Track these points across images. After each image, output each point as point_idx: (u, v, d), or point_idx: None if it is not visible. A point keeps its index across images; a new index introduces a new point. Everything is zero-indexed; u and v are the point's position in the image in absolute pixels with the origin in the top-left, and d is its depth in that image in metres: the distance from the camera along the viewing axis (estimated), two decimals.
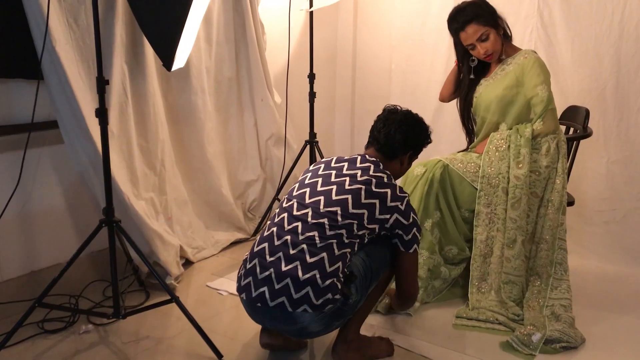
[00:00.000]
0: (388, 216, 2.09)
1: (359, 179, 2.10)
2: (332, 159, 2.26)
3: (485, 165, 2.63)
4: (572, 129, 2.91)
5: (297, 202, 2.10)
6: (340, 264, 1.98)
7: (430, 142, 2.36)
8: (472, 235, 2.70)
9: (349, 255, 2.03)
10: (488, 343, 2.38)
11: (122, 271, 2.81)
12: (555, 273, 2.59)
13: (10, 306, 2.53)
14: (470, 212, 2.68)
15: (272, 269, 1.96)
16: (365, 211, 2.05)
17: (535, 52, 2.69)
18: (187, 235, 3.17)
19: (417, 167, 2.73)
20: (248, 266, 2.06)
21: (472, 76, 2.79)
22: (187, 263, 3.16)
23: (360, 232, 2.05)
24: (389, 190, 2.10)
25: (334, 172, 2.16)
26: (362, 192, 2.07)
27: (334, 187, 2.09)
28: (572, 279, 2.89)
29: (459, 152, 2.87)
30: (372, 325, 2.50)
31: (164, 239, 2.81)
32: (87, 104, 2.51)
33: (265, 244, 2.03)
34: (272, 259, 1.99)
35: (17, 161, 2.46)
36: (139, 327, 2.50)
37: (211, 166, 3.25)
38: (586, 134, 2.76)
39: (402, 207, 2.11)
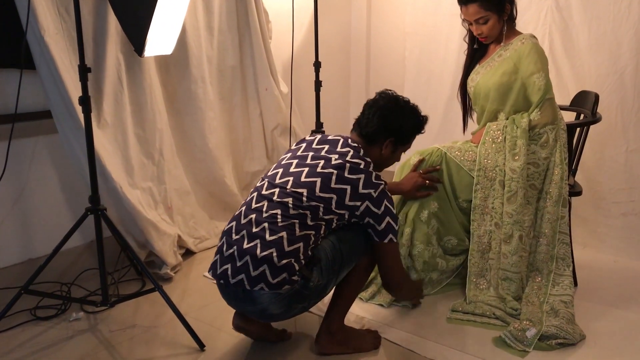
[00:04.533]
0: (358, 203, 2.02)
1: (333, 162, 2.05)
2: (316, 138, 2.21)
3: (482, 157, 2.52)
4: (582, 115, 2.76)
5: (268, 181, 2.09)
6: (300, 245, 1.93)
7: (420, 132, 2.27)
8: (470, 226, 2.60)
9: (312, 238, 1.98)
10: (482, 338, 2.27)
11: (121, 260, 2.84)
12: (557, 268, 2.46)
13: (7, 293, 2.57)
14: (468, 202, 2.57)
15: (235, 247, 1.95)
16: (333, 196, 2.00)
17: (534, 37, 2.54)
18: (189, 225, 3.17)
19: (414, 155, 2.64)
20: (218, 244, 2.07)
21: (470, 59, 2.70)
22: (189, 253, 3.15)
23: (326, 217, 2.00)
24: (362, 177, 2.03)
25: (311, 153, 2.12)
26: (333, 177, 2.01)
27: (306, 169, 2.05)
28: (585, 273, 2.76)
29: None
30: (363, 317, 2.43)
31: (159, 229, 2.81)
32: (78, 93, 2.50)
33: (233, 223, 2.04)
34: (236, 237, 1.98)
35: (13, 150, 2.49)
36: (129, 316, 2.50)
37: (214, 156, 3.23)
38: (595, 119, 2.60)
39: (375, 195, 2.03)
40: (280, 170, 2.10)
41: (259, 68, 3.38)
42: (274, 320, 2.13)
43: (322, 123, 3.50)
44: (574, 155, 2.70)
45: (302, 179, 2.03)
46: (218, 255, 2.04)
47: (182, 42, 3.00)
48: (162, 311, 2.52)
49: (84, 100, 2.22)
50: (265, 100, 3.44)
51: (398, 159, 2.31)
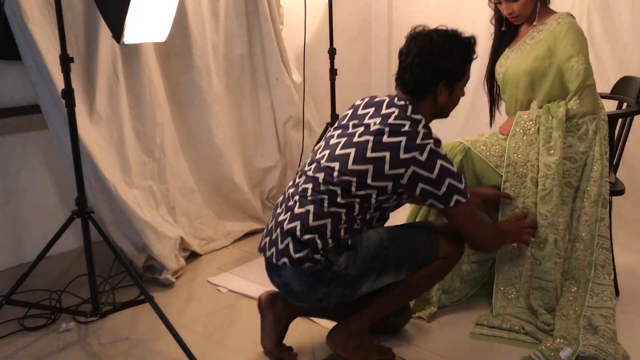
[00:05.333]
0: (402, 170, 1.79)
1: (371, 129, 1.84)
2: (363, 101, 2.00)
3: (510, 151, 2.23)
4: (624, 104, 2.45)
5: (311, 156, 1.97)
6: (328, 222, 1.78)
7: (472, 58, 1.97)
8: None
9: (343, 217, 1.79)
10: (510, 357, 2.02)
11: (118, 264, 2.65)
12: (596, 277, 2.18)
13: None
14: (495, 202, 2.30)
15: (273, 220, 1.91)
16: (369, 167, 1.79)
17: (571, 16, 2.25)
18: (195, 226, 2.96)
19: None
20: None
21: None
22: (194, 256, 2.95)
23: (360, 192, 1.80)
24: (403, 140, 1.79)
25: (353, 121, 1.93)
26: (369, 145, 1.81)
27: (344, 139, 1.88)
28: (626, 280, 2.46)
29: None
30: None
31: (158, 231, 2.61)
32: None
33: (281, 197, 1.97)
34: (278, 210, 1.92)
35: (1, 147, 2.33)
36: (123, 327, 2.31)
37: (221, 152, 3.01)
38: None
39: (422, 157, 1.78)
40: (324, 143, 1.96)
41: (269, 56, 3.15)
42: (300, 299, 1.92)
43: (338, 115, 3.26)
44: (615, 149, 2.41)
45: (337, 151, 1.86)
46: (265, 230, 1.97)
47: (184, 29, 2.79)
48: (159, 322, 2.31)
49: (67, 94, 2.02)
50: (276, 91, 3.21)
51: (462, 95, 2.01)
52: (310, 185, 1.83)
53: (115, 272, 2.60)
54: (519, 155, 2.22)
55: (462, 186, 1.82)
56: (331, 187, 1.80)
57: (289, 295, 1.91)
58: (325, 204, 1.79)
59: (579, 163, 2.18)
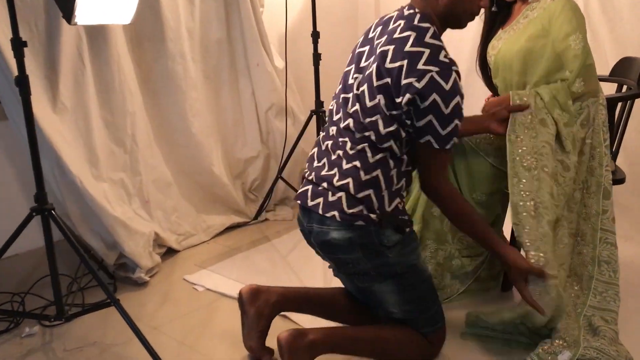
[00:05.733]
0: (401, 98, 1.64)
1: (377, 52, 1.70)
2: (374, 23, 1.84)
3: (514, 147, 1.98)
4: (624, 87, 2.30)
5: (336, 101, 1.84)
6: (378, 172, 1.70)
7: None
8: (491, 221, 2.19)
9: (391, 162, 1.71)
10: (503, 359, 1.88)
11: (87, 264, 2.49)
12: (600, 274, 2.03)
13: None
14: (488, 195, 2.15)
15: (314, 173, 1.81)
16: (380, 98, 1.67)
17: None
18: (171, 220, 2.81)
19: None
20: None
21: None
22: (171, 252, 2.79)
23: (388, 129, 1.68)
24: (404, 64, 1.63)
25: (367, 48, 1.78)
26: (374, 73, 1.69)
27: (359, 77, 1.75)
28: (625, 273, 2.31)
29: None
30: None
31: (129, 227, 2.45)
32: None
33: (315, 149, 1.87)
34: (318, 164, 1.81)
35: None
36: (89, 331, 2.16)
37: (198, 142, 2.85)
38: None
39: (420, 85, 1.61)
40: (342, 83, 1.83)
41: (249, 41, 2.98)
42: (329, 254, 1.80)
43: (323, 102, 3.10)
44: (614, 135, 2.26)
45: (355, 90, 1.75)
46: (304, 179, 1.88)
47: (156, 12, 2.62)
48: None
49: (21, 80, 1.86)
50: (257, 77, 3.04)
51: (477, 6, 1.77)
52: (347, 138, 1.74)
53: (84, 272, 2.44)
54: (524, 148, 2.01)
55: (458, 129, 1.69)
56: (365, 134, 1.70)
57: (322, 246, 1.79)
58: (369, 154, 1.70)
59: (584, 155, 2.02)
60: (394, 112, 1.66)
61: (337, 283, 2.04)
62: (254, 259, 2.73)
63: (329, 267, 1.97)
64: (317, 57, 3.03)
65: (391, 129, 1.68)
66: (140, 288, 2.48)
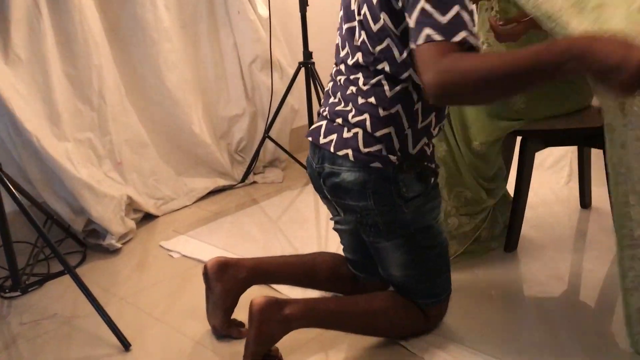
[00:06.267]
0: None
1: None
2: None
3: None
4: None
5: (339, 34, 1.60)
6: (398, 108, 1.46)
7: None
8: (491, 174, 1.97)
9: (413, 94, 1.46)
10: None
11: (56, 229, 2.31)
12: None
13: None
14: (489, 145, 1.92)
15: (327, 108, 1.60)
16: (384, 15, 1.40)
17: None
18: (149, 184, 2.60)
19: None
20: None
21: None
22: (150, 218, 2.60)
23: (396, 50, 1.42)
24: None
25: None
26: None
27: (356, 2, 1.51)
28: None
29: None
30: None
31: (97, 190, 2.25)
32: None
33: (331, 83, 1.64)
34: (333, 100, 1.59)
35: None
36: (50, 302, 1.97)
37: (175, 98, 2.62)
38: None
39: None
40: (343, 10, 1.58)
41: None
42: (337, 197, 1.59)
43: (312, 52, 2.86)
44: None
45: (357, 15, 1.49)
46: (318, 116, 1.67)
47: None
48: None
49: None
50: (239, 27, 2.80)
51: None
52: (360, 74, 1.51)
53: (56, 240, 2.27)
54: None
55: (473, 26, 1.25)
56: (378, 67, 1.45)
57: (331, 189, 1.58)
58: (387, 88, 1.46)
59: None
60: (403, 28, 1.38)
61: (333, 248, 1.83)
62: (241, 224, 2.52)
63: (331, 218, 1.75)
64: (303, 3, 2.77)
65: (407, 54, 1.40)
66: (112, 255, 2.29)
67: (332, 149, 1.51)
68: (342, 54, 1.58)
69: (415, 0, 1.26)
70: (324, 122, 1.58)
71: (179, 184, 2.72)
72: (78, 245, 2.34)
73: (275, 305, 1.50)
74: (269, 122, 2.88)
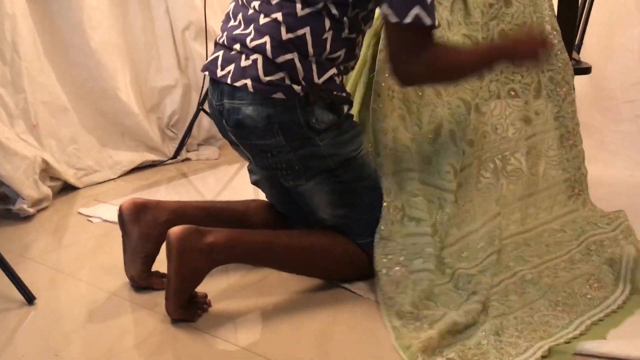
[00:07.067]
0: None
1: None
2: None
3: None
4: None
5: None
6: (306, 31, 1.33)
7: None
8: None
9: (327, 22, 1.33)
10: None
11: None
12: None
13: None
14: None
15: (226, 33, 1.44)
16: None
17: None
18: (68, 152, 2.37)
19: None
20: None
21: None
22: (70, 189, 2.36)
23: None
24: None
25: None
26: None
27: None
28: (596, 193, 2.01)
29: None
30: None
31: (6, 148, 2.01)
32: None
33: (232, 5, 1.49)
34: (232, 23, 1.44)
35: None
36: None
37: (99, 61, 2.42)
38: None
39: None
40: None
41: None
42: (245, 140, 1.43)
43: None
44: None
45: None
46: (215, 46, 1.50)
47: None
48: None
49: None
50: None
51: None
52: None
53: None
54: None
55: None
56: None
57: (234, 128, 1.41)
58: (298, 6, 1.33)
59: None
60: None
61: None
62: (172, 197, 2.31)
63: (248, 167, 1.59)
64: None
65: None
66: (24, 222, 2.05)
67: (229, 81, 1.36)
68: None
69: None
70: (220, 52, 1.43)
71: (102, 155, 2.50)
72: None
73: (196, 233, 1.33)
74: (202, 94, 2.71)
